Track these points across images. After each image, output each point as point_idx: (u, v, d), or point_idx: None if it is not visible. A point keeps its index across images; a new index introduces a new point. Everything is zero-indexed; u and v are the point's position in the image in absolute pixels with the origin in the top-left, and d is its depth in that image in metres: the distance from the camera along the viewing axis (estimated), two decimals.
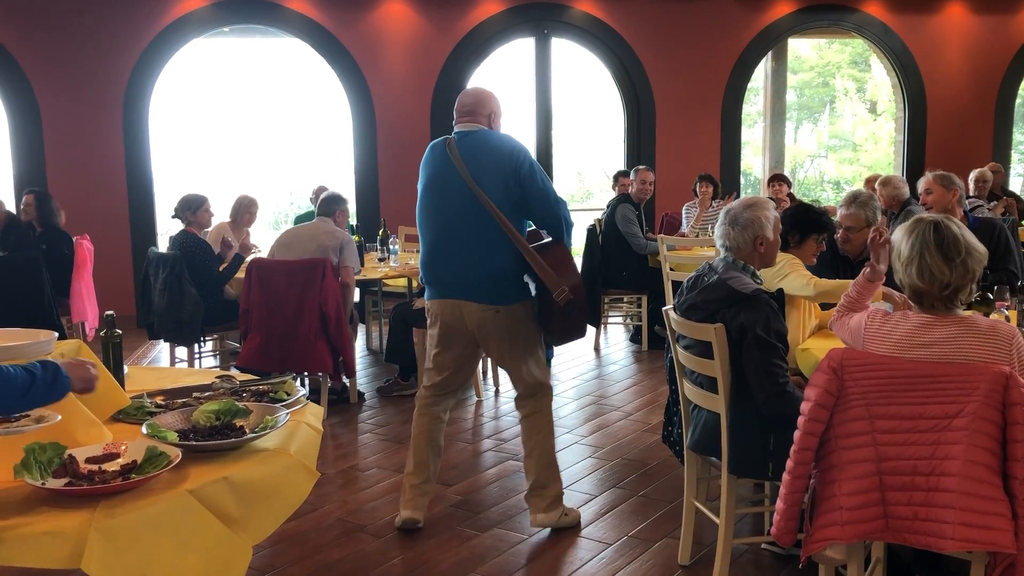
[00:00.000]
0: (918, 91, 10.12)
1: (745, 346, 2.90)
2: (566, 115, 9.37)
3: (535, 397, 3.72)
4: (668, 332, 3.27)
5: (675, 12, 9.47)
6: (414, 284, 6.75)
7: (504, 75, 10.13)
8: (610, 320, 8.12)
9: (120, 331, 2.86)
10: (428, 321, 3.72)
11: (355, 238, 6.55)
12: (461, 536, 3.67)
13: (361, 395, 5.78)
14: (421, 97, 9.08)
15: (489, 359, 5.90)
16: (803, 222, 3.74)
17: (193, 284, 5.63)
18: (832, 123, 20.66)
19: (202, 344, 6.18)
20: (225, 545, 2.15)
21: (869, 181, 7.61)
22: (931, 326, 2.41)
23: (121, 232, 8.60)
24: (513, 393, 3.81)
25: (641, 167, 7.42)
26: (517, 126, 10.07)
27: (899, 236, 2.48)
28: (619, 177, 8.25)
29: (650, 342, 7.21)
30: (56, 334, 2.49)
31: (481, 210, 3.40)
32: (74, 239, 6.62)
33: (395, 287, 7.44)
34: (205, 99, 12.09)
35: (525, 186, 3.46)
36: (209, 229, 6.42)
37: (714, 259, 3.17)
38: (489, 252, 3.43)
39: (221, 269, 5.86)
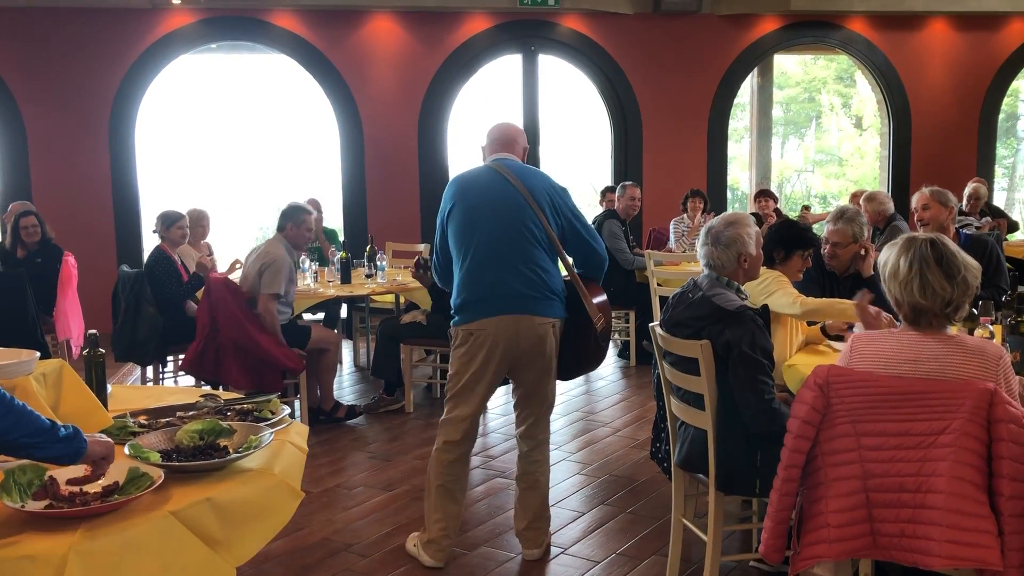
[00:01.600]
0: (902, 106, 10.20)
1: (731, 363, 2.90)
2: (553, 131, 9.36)
3: (546, 424, 3.65)
4: (655, 348, 3.26)
5: (661, 29, 9.53)
6: (402, 300, 6.73)
7: (491, 91, 10.15)
8: None
9: (103, 350, 2.83)
10: (462, 349, 3.46)
11: (342, 254, 6.55)
12: (449, 555, 3.63)
13: (352, 408, 5.75)
14: (409, 114, 9.09)
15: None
16: (788, 238, 3.76)
17: (153, 303, 5.59)
18: (818, 138, 20.80)
19: (164, 364, 6.09)
20: (208, 567, 2.12)
21: (855, 196, 7.65)
22: (919, 343, 2.42)
23: (107, 250, 8.56)
24: (502, 413, 3.77)
25: (628, 183, 7.44)
26: None
27: (891, 254, 2.48)
28: (606, 193, 8.27)
29: (638, 357, 7.21)
30: (37, 354, 2.47)
31: (538, 228, 3.43)
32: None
33: (382, 303, 7.41)
34: (192, 115, 12.07)
35: (569, 217, 3.54)
36: (179, 248, 6.38)
37: (699, 276, 3.17)
38: (543, 266, 3.44)
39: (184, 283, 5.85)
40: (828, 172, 20.68)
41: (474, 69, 9.28)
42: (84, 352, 2.82)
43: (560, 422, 5.62)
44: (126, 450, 2.31)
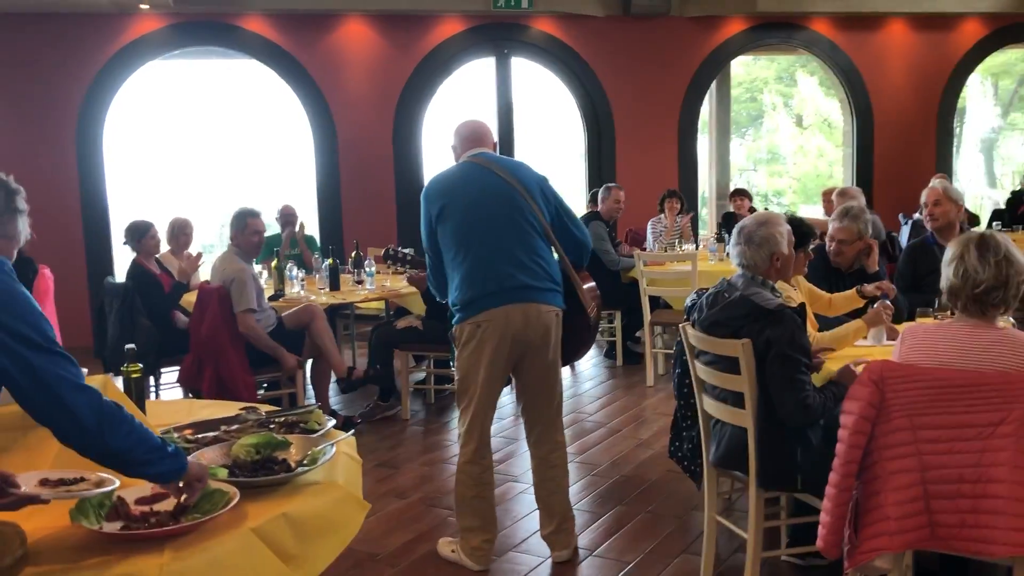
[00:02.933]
0: (865, 106, 10.43)
1: (769, 360, 2.93)
2: (527, 134, 9.37)
3: (560, 425, 3.65)
4: (685, 348, 3.29)
5: (631, 31, 9.60)
6: (392, 306, 6.68)
7: (465, 94, 10.13)
8: None
9: (140, 365, 2.76)
10: (471, 344, 3.41)
11: (329, 261, 6.47)
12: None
13: (349, 420, 5.68)
14: (383, 117, 9.03)
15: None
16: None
17: (146, 315, 5.49)
18: (760, 137, 21.14)
19: (158, 376, 5.97)
20: None
21: (827, 193, 7.79)
22: (968, 335, 2.47)
23: (76, 260, 8.35)
24: (500, 417, 3.73)
25: (613, 185, 7.49)
26: None
27: (951, 243, 2.56)
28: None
29: (624, 358, 7.24)
30: (85, 371, 2.39)
31: (533, 218, 3.43)
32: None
33: (368, 309, 7.35)
34: (163, 122, 11.82)
35: (556, 206, 3.55)
36: (160, 255, 6.27)
37: (732, 276, 3.20)
38: (543, 256, 3.45)
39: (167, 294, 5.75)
40: (772, 170, 21.05)
41: (448, 72, 9.25)
42: (123, 368, 2.75)
43: None
44: None
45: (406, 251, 5.31)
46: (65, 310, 7.58)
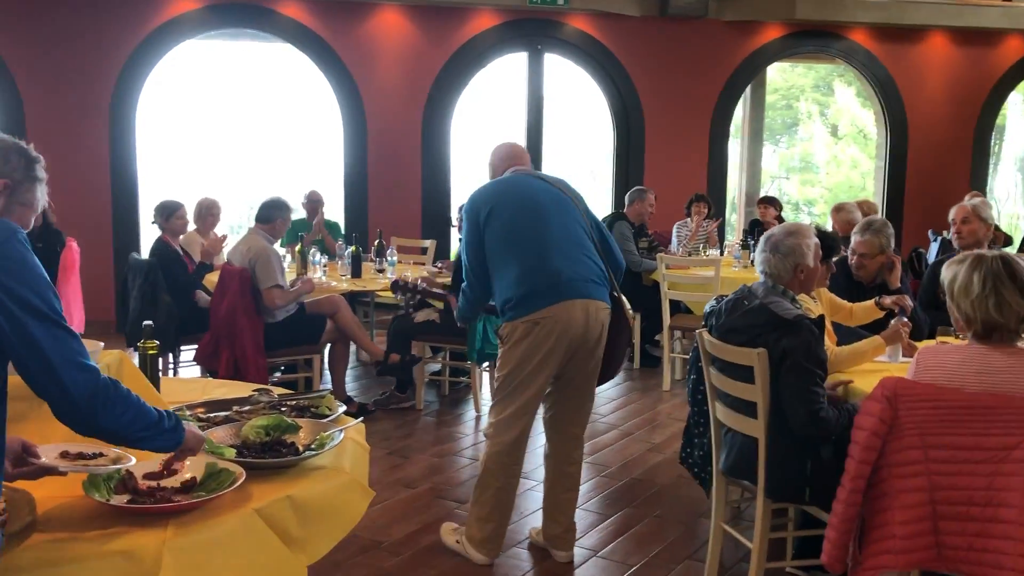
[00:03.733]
0: (900, 119, 10.31)
1: (783, 371, 2.91)
2: (557, 131, 9.36)
3: (584, 425, 3.66)
4: (701, 354, 3.27)
5: (667, 33, 9.55)
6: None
7: (496, 89, 10.13)
8: None
9: (157, 342, 2.79)
10: (525, 341, 3.33)
11: (351, 248, 6.50)
12: None
13: (363, 407, 5.70)
14: (413, 108, 9.04)
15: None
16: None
17: (168, 292, 5.54)
18: (794, 145, 20.97)
19: (177, 354, 6.03)
20: (284, 566, 2.10)
21: (837, 210, 7.71)
22: (985, 356, 2.44)
23: (104, 236, 8.43)
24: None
25: (644, 188, 7.51)
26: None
27: (960, 271, 2.50)
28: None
29: (642, 360, 7.22)
30: (102, 344, 2.43)
31: (583, 221, 3.49)
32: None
33: (387, 299, 7.37)
34: (194, 102, 11.91)
35: (595, 222, 3.60)
36: (183, 236, 6.32)
37: (753, 283, 3.18)
38: (594, 254, 3.48)
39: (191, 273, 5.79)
40: (804, 179, 20.87)
41: (480, 66, 9.24)
42: (139, 344, 2.78)
43: None
44: None
45: (418, 283, 5.26)
46: (90, 285, 7.66)
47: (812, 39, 9.97)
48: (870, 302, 3.96)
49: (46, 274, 1.79)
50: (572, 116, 12.25)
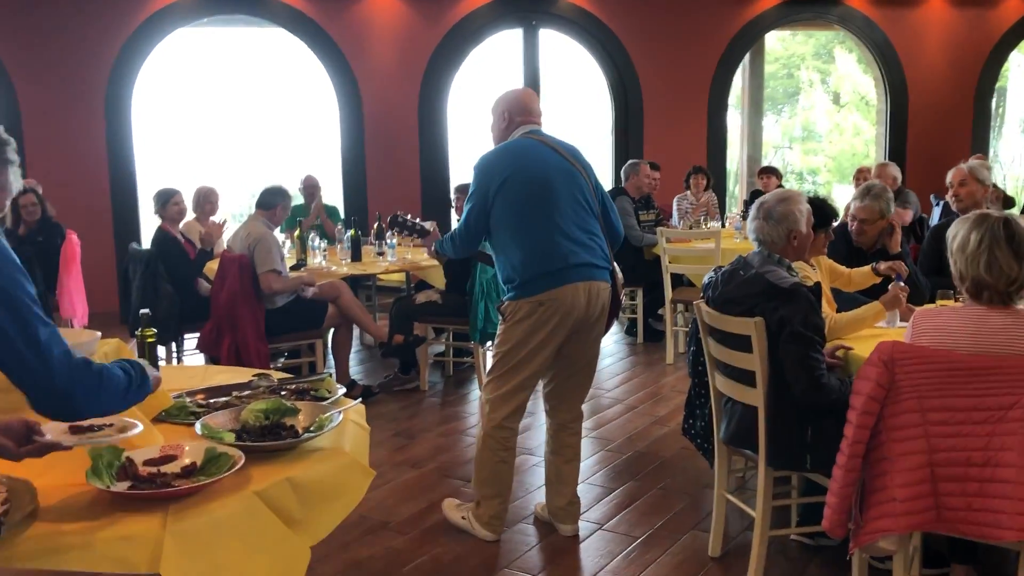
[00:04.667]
0: (899, 84, 10.24)
1: (782, 339, 2.91)
2: (554, 106, 9.31)
3: (584, 398, 3.69)
4: (699, 325, 3.27)
5: (662, 4, 9.49)
6: (413, 279, 6.71)
7: (492, 67, 10.08)
8: None
9: (155, 330, 2.80)
10: (528, 320, 3.35)
11: (351, 232, 6.50)
12: None
13: (367, 389, 5.72)
14: (409, 88, 9.01)
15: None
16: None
17: (169, 281, 5.56)
18: (795, 114, 20.84)
19: (180, 342, 6.04)
20: (287, 547, 2.11)
21: (863, 170, 7.69)
22: (981, 317, 2.44)
23: (104, 227, 8.45)
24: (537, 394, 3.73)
25: (638, 161, 7.47)
26: None
27: (962, 229, 2.50)
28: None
29: (646, 335, 7.22)
30: (99, 334, 2.44)
31: (591, 198, 3.47)
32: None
33: (389, 281, 7.39)
34: (189, 90, 11.88)
35: (600, 191, 3.57)
36: (183, 223, 6.34)
37: (748, 253, 3.18)
38: (600, 237, 3.48)
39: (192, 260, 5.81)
40: (807, 148, 20.76)
41: (475, 44, 9.21)
42: (137, 332, 2.79)
43: None
44: (198, 430, 2.29)
45: (415, 220, 5.22)
46: (92, 276, 7.71)
47: (809, 6, 9.91)
48: (867, 268, 3.96)
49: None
50: (569, 91, 12.20)
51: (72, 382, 1.81)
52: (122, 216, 8.53)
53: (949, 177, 4.65)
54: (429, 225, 4.30)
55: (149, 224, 8.72)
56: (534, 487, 4.13)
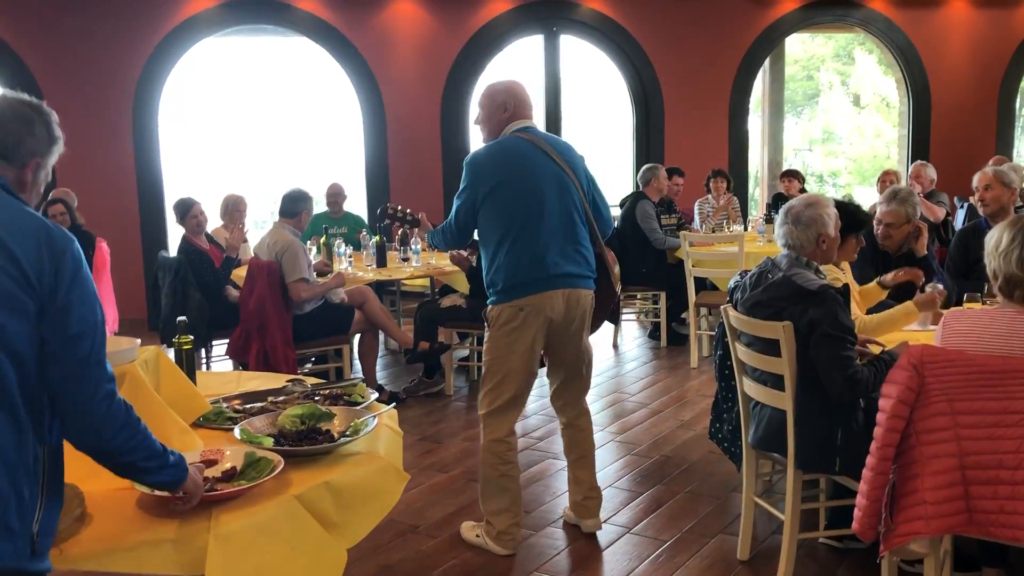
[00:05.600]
0: (922, 86, 10.19)
1: (813, 342, 2.92)
2: (575, 112, 9.35)
3: (584, 395, 3.70)
4: (727, 329, 3.29)
5: (683, 9, 9.50)
6: (436, 283, 6.75)
7: (513, 73, 10.10)
8: (624, 316, 8.13)
9: (192, 336, 2.85)
10: (509, 326, 3.38)
11: (376, 239, 6.55)
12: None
13: (394, 395, 5.77)
14: (431, 96, 9.07)
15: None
16: (843, 223, 3.72)
17: (198, 289, 5.63)
18: (815, 116, 20.75)
19: (209, 349, 6.11)
20: (325, 550, 2.16)
21: (888, 173, 7.67)
22: (1013, 319, 2.45)
23: (132, 234, 8.55)
24: (540, 395, 3.75)
25: (654, 165, 7.52)
26: None
27: (997, 230, 2.52)
28: (673, 175, 8.05)
29: (669, 339, 7.23)
30: (138, 341, 2.48)
31: (580, 205, 3.47)
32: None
33: (413, 287, 7.44)
34: (215, 99, 12.02)
35: (592, 184, 3.58)
36: (211, 229, 6.43)
37: (776, 256, 3.19)
38: (586, 244, 3.49)
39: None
40: (827, 151, 20.67)
41: (496, 50, 9.25)
42: (175, 338, 2.84)
43: (598, 404, 5.65)
44: (237, 434, 2.34)
45: (405, 210, 5.18)
46: (121, 283, 7.82)
47: (830, 8, 9.87)
48: (873, 284, 3.92)
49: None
50: (590, 97, 12.23)
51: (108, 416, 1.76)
52: (150, 224, 8.64)
53: (975, 181, 4.64)
54: (420, 215, 4.30)
55: (176, 232, 8.82)
56: (561, 491, 4.16)
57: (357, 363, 6.07)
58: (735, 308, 3.23)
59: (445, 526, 3.80)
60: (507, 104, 3.48)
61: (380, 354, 7.28)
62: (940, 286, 3.60)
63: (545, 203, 3.37)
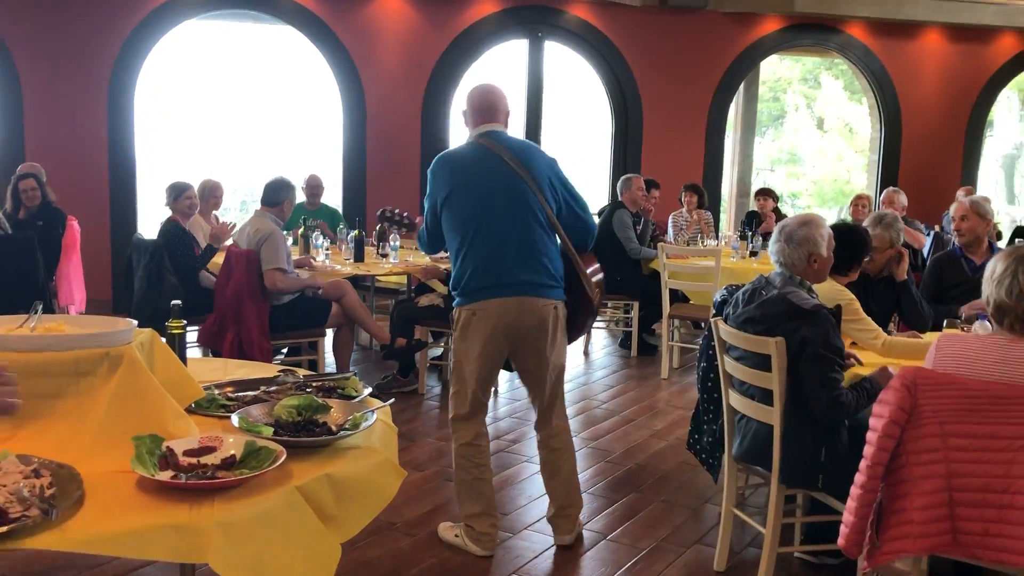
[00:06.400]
0: (894, 113, 10.40)
1: (804, 360, 2.97)
2: (556, 118, 9.38)
3: (560, 411, 3.64)
4: (716, 342, 3.32)
5: (667, 23, 9.59)
6: (413, 281, 6.72)
7: (496, 76, 10.13)
8: (595, 324, 8.17)
9: (184, 321, 2.81)
10: (465, 330, 3.43)
11: (355, 232, 6.51)
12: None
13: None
14: (413, 92, 9.04)
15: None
16: (855, 246, 3.76)
17: (173, 273, 5.55)
18: (779, 137, 21.06)
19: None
20: (320, 542, 2.13)
21: (860, 197, 7.81)
22: (1005, 347, 2.50)
23: (101, 215, 8.40)
24: (513, 399, 3.75)
25: (632, 176, 7.54)
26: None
27: (996, 258, 2.59)
28: (650, 188, 8.04)
29: (639, 349, 7.28)
30: (135, 322, 2.44)
31: (540, 211, 3.39)
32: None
33: (388, 283, 7.40)
34: (194, 82, 11.84)
35: (564, 194, 3.50)
36: (192, 218, 6.32)
37: (770, 273, 3.24)
38: (548, 252, 3.43)
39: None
40: (790, 172, 21.00)
41: (480, 52, 9.26)
42: (167, 323, 2.80)
43: (570, 411, 5.65)
44: (236, 422, 2.31)
45: (403, 213, 5.19)
46: (87, 264, 7.66)
47: (810, 32, 10.05)
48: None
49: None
50: (571, 103, 12.28)
51: None
52: (120, 204, 8.49)
53: (952, 210, 4.75)
54: (418, 220, 4.32)
55: (147, 214, 8.69)
56: (535, 496, 4.16)
57: (329, 357, 6.02)
58: (725, 322, 3.27)
59: (422, 524, 3.78)
60: (480, 108, 3.50)
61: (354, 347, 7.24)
62: (988, 323, 3.60)
63: (497, 210, 3.36)
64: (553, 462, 3.63)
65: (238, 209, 12.64)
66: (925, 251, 7.74)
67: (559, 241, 3.52)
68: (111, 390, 2.21)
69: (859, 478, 2.56)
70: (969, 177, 10.73)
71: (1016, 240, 9.20)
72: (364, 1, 8.85)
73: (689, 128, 9.91)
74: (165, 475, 2.02)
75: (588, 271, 3.58)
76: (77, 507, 1.87)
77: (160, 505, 1.90)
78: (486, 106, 3.49)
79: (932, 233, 8.00)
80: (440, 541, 3.63)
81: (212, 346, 5.32)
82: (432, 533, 3.70)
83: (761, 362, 3.04)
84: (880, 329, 3.54)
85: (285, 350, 6.04)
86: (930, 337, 3.60)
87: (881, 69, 10.28)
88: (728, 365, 3.27)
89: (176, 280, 5.49)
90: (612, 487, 4.35)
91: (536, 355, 3.50)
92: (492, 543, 3.55)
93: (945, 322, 3.84)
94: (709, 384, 3.62)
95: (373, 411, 2.46)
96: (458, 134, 9.29)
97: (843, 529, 2.59)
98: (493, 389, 5.77)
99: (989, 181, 18.58)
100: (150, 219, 8.09)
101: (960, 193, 8.87)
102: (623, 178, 7.53)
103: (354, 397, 2.70)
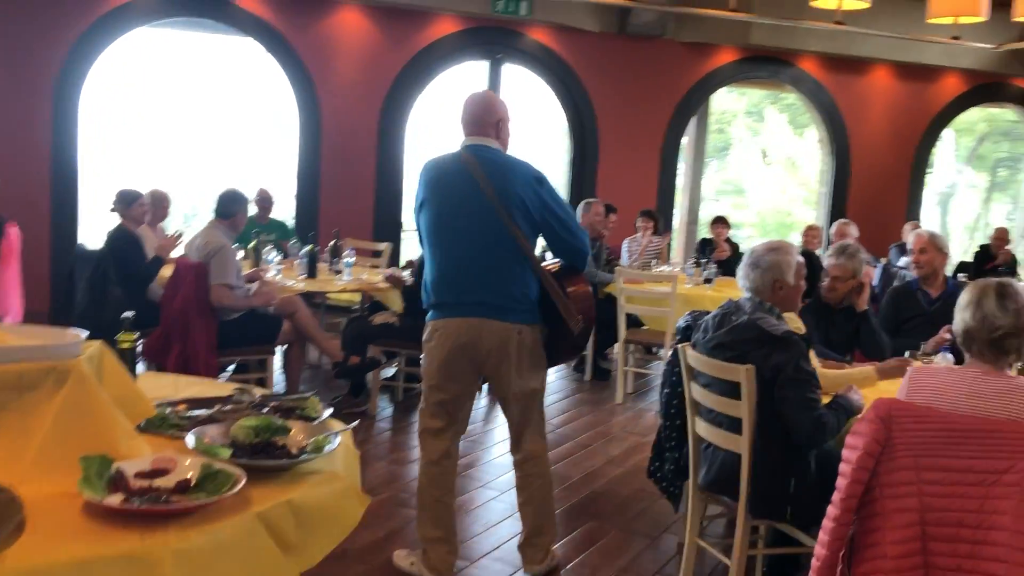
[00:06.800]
0: (843, 147, 10.60)
1: (779, 384, 2.93)
2: (514, 140, 9.31)
3: (535, 436, 3.52)
4: (683, 369, 3.27)
5: (625, 50, 9.64)
6: (367, 299, 6.59)
7: (454, 96, 10.07)
8: None
9: (136, 334, 2.67)
10: (429, 344, 3.40)
11: (308, 248, 6.36)
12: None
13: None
14: (369, 108, 8.93)
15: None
16: (810, 272, 3.76)
17: (119, 284, 5.36)
18: (723, 168, 21.39)
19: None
20: (279, 573, 2.02)
21: (812, 228, 7.89)
22: (978, 380, 2.49)
23: (40, 223, 8.08)
24: (489, 424, 3.68)
25: (592, 200, 7.51)
26: None
27: (967, 289, 2.59)
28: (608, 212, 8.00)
29: (594, 373, 7.23)
30: (85, 333, 2.30)
31: (505, 232, 3.25)
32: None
33: (339, 301, 7.25)
34: (143, 90, 11.55)
35: (544, 215, 3.34)
36: (143, 225, 6.13)
37: (740, 298, 3.20)
38: (512, 275, 3.29)
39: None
40: (735, 203, 21.35)
41: (439, 71, 9.19)
42: (117, 336, 2.65)
43: None
44: (191, 444, 2.17)
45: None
46: (25, 272, 7.35)
47: (763, 65, 10.19)
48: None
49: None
50: (530, 125, 12.28)
51: None
52: (61, 213, 8.19)
53: (910, 242, 4.81)
54: None
55: (88, 223, 8.41)
56: (493, 522, 4.07)
57: (279, 375, 5.85)
58: (693, 348, 3.22)
59: (376, 551, 3.66)
60: (467, 119, 3.42)
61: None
62: (951, 356, 3.63)
63: (459, 228, 3.30)
64: (527, 487, 3.54)
65: (182, 222, 12.36)
66: (874, 282, 7.86)
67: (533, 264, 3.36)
68: (57, 406, 2.07)
69: (832, 511, 2.51)
70: (913, 212, 10.96)
71: (958, 275, 9.41)
72: (323, 14, 8.73)
73: (644, 154, 9.95)
74: (115, 499, 1.89)
75: (574, 288, 3.43)
76: (17, 534, 1.72)
77: (109, 532, 1.77)
78: (473, 118, 3.39)
79: (881, 265, 8.14)
80: (395, 570, 3.50)
81: (156, 360, 5.13)
82: (387, 561, 3.57)
83: (730, 389, 3.00)
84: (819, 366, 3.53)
85: (232, 367, 5.84)
86: (867, 368, 3.63)
87: (831, 103, 10.48)
88: (695, 392, 3.22)
89: (121, 292, 5.29)
90: (570, 514, 4.26)
91: (499, 378, 3.41)
92: (449, 572, 3.43)
93: (907, 353, 3.85)
94: (672, 411, 3.57)
95: (337, 434, 2.35)
96: (413, 152, 9.20)
97: (815, 563, 2.54)
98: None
99: (929, 217, 19.11)
100: (92, 228, 7.82)
101: (907, 227, 9.07)
102: (584, 202, 7.51)
103: (314, 418, 2.58)
